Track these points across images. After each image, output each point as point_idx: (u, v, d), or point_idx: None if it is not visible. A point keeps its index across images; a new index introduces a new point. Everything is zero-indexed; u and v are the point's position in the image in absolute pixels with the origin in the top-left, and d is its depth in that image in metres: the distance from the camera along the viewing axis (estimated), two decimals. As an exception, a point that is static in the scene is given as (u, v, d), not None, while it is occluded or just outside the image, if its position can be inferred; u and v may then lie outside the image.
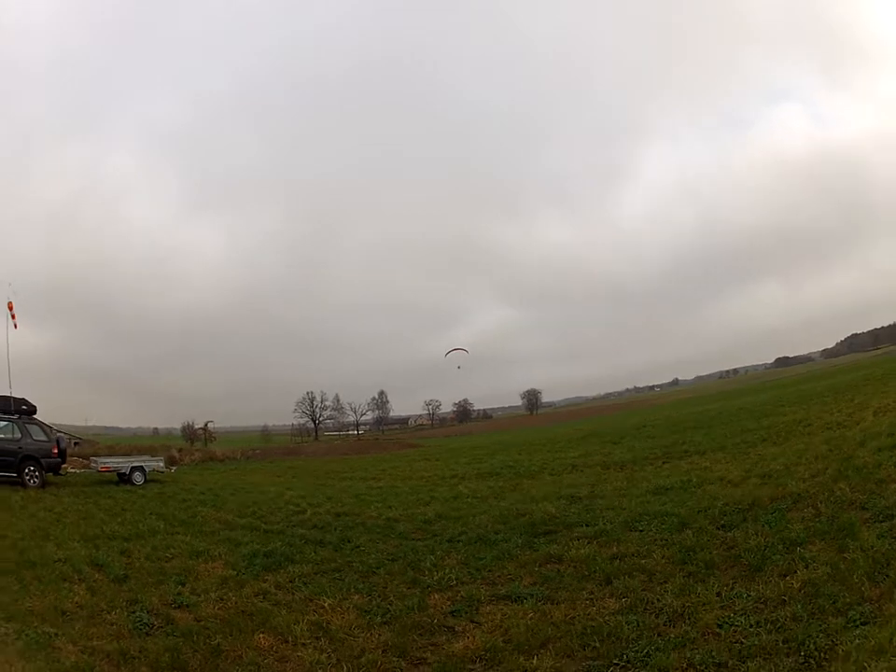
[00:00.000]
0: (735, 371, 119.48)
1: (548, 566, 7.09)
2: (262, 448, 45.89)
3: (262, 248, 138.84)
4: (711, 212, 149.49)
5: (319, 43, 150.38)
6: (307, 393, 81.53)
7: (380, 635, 5.62)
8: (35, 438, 17.94)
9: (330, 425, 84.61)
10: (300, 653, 5.33)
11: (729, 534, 7.07)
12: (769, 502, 8.05)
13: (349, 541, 9.71)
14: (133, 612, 6.63)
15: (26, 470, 17.32)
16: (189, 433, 54.51)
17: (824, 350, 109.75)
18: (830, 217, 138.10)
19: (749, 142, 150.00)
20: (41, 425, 18.60)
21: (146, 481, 19.71)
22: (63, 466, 18.90)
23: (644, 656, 4.53)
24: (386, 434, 79.97)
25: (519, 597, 6.13)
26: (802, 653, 4.19)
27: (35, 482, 17.30)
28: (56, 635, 5.91)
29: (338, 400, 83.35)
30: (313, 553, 8.99)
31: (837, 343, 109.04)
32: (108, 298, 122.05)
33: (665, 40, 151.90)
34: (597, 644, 4.82)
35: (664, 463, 15.39)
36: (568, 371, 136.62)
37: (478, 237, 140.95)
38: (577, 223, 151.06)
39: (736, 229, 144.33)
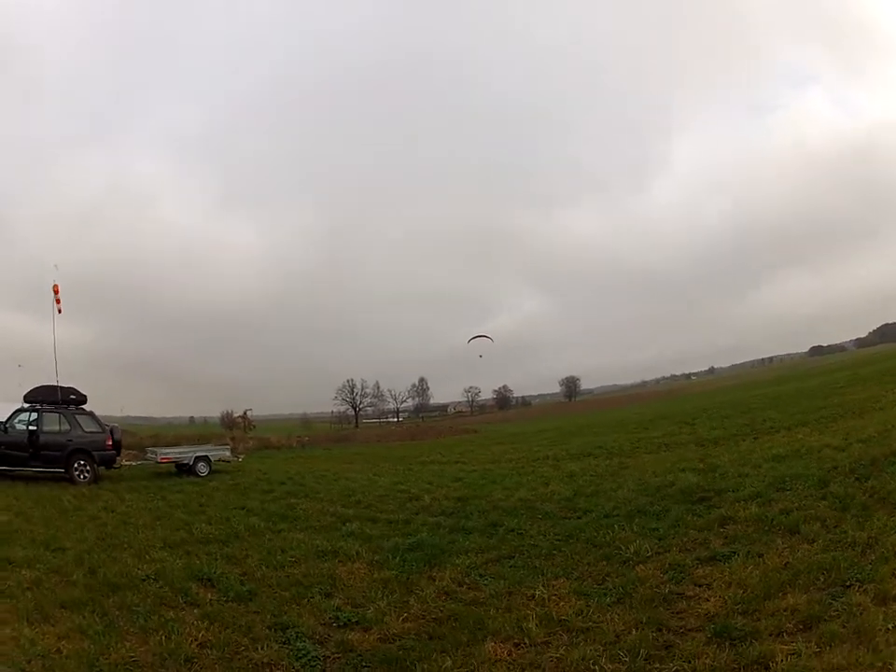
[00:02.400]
0: (771, 359, 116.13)
1: (726, 527, 6.85)
2: (312, 435, 43.74)
3: (295, 241, 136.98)
4: (741, 200, 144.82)
5: (345, 41, 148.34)
6: (348, 380, 79.35)
7: (620, 615, 4.87)
8: (85, 429, 15.67)
9: (370, 412, 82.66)
10: (551, 654, 4.32)
11: (867, 484, 7.43)
12: (884, 458, 8.41)
13: (497, 526, 8.30)
14: (288, 642, 4.84)
15: (75, 465, 15.07)
16: (228, 421, 52.43)
17: (857, 339, 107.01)
18: (860, 204, 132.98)
19: (777, 129, 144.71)
20: (92, 415, 16.22)
21: (210, 471, 17.16)
22: (118, 458, 16.45)
23: (868, 574, 4.89)
24: (427, 421, 77.24)
25: (723, 557, 5.91)
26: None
27: (85, 477, 15.06)
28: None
29: (378, 388, 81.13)
30: (465, 542, 7.58)
31: (870, 333, 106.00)
32: (142, 293, 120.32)
33: (685, 30, 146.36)
34: (824, 577, 5.01)
35: (755, 438, 15.03)
36: (603, 359, 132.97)
37: (512, 227, 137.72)
38: (608, 213, 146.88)
39: (767, 217, 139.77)
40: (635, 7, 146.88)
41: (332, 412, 79.33)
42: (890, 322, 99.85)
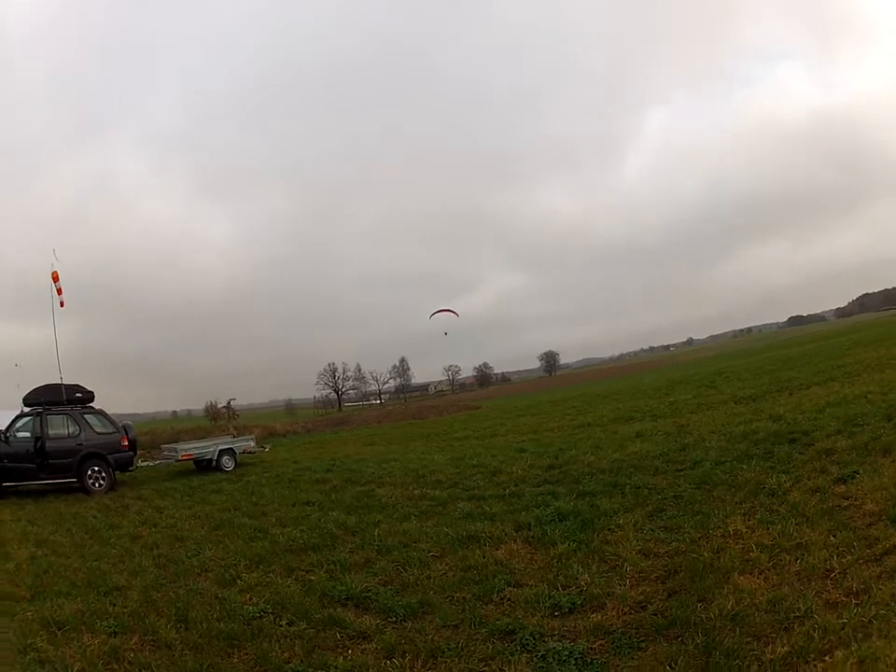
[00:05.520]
0: (750, 329, 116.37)
1: (832, 457, 6.85)
2: (312, 420, 41.16)
3: (272, 229, 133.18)
4: (715, 174, 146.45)
5: (323, 29, 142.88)
6: (329, 364, 76.86)
7: (811, 528, 4.86)
8: (97, 430, 13.12)
9: (352, 395, 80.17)
10: (791, 569, 4.23)
11: (929, 417, 7.80)
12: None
13: (619, 486, 7.46)
14: (529, 649, 3.75)
15: (89, 472, 12.60)
16: (213, 412, 49.01)
17: (837, 309, 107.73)
18: (835, 177, 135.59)
19: (753, 103, 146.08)
20: (103, 413, 13.65)
21: (236, 465, 14.88)
22: (135, 460, 14.00)
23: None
24: (409, 401, 75.01)
25: (849, 476, 5.96)
26: None
27: (101, 485, 12.61)
28: None
29: (359, 370, 78.66)
30: (604, 505, 6.67)
31: (850, 303, 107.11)
32: (123, 290, 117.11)
33: (659, 5, 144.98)
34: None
35: (790, 394, 14.53)
36: (579, 333, 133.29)
37: (487, 207, 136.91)
38: (582, 190, 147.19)
39: (741, 189, 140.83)
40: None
41: (315, 397, 76.93)
42: (870, 292, 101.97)
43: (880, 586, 3.58)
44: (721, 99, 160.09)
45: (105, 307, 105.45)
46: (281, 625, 4.37)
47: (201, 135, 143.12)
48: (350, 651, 3.94)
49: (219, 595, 5.14)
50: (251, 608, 4.76)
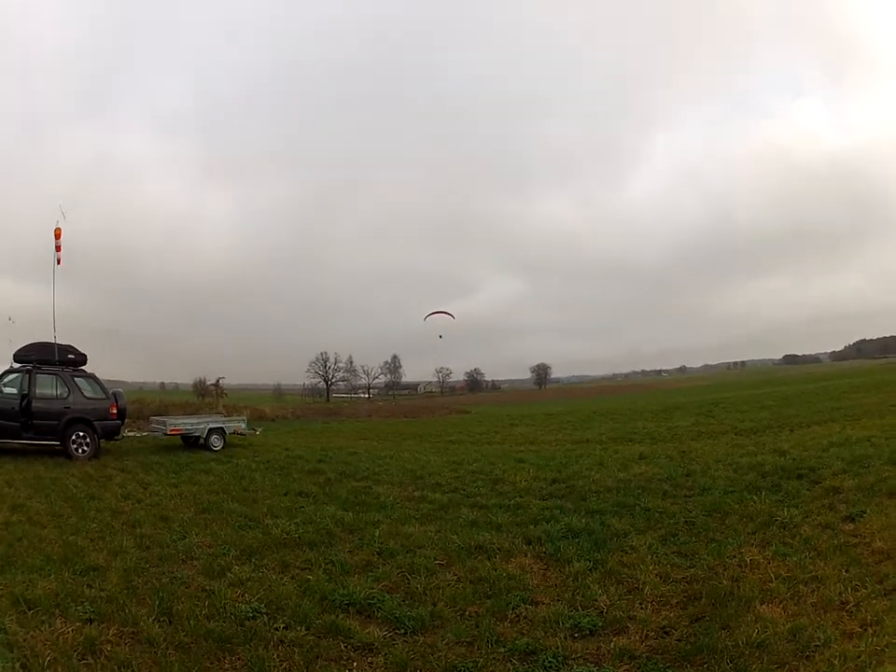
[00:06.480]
0: (744, 363, 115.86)
1: (839, 495, 6.83)
2: (302, 407, 40.55)
3: (273, 217, 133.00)
4: (720, 201, 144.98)
5: (325, 28, 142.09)
6: (321, 353, 75.93)
7: (825, 563, 4.85)
8: (86, 395, 12.58)
9: (342, 386, 79.27)
10: (810, 601, 4.20)
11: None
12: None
13: (628, 506, 7.22)
14: (554, 671, 3.50)
15: (73, 437, 12.06)
16: (202, 388, 48.28)
17: (833, 352, 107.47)
18: (842, 218, 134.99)
19: (766, 136, 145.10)
20: (94, 378, 13.09)
21: (224, 445, 14.35)
22: (122, 429, 13.49)
23: None
24: (398, 399, 74.38)
25: (856, 515, 5.94)
26: None
27: (84, 451, 12.09)
28: None
29: (351, 362, 77.79)
30: (616, 525, 6.43)
31: (846, 347, 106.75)
32: (120, 261, 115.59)
33: (677, 30, 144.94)
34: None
35: (791, 431, 14.25)
36: (572, 348, 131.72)
37: (488, 212, 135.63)
38: (585, 202, 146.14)
39: (745, 220, 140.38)
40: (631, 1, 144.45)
41: (304, 384, 76.10)
42: (867, 338, 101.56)
43: (891, 618, 3.73)
44: (730, 124, 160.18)
45: (105, 277, 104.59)
46: (277, 629, 3.92)
47: (206, 119, 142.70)
48: (356, 665, 3.54)
49: (207, 588, 4.66)
50: (243, 606, 4.29)
